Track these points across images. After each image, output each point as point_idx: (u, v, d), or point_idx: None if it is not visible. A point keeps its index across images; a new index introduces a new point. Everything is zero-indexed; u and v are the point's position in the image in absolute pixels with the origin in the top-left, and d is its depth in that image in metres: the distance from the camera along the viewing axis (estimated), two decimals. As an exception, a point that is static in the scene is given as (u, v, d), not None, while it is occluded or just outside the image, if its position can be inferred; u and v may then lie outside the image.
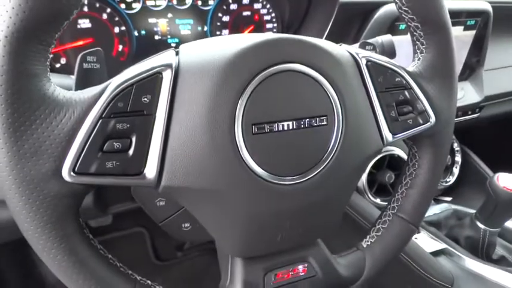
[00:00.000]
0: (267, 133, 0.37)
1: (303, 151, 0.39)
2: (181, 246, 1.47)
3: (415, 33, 0.48)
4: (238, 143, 0.36)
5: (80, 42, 0.71)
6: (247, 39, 0.38)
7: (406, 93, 0.46)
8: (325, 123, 0.39)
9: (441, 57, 0.47)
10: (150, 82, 0.35)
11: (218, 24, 0.82)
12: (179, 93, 0.36)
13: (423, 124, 0.47)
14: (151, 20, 0.76)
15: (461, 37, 0.91)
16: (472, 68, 0.97)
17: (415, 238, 0.85)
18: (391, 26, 0.81)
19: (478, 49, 0.94)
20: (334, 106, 0.40)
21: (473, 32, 0.91)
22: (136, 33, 0.76)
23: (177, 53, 0.37)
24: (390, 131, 0.45)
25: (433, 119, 0.47)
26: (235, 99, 0.36)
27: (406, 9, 0.46)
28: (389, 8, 0.80)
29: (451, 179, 1.04)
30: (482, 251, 0.86)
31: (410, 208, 0.51)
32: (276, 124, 0.37)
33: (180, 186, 0.36)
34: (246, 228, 0.40)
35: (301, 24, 0.84)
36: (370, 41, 0.56)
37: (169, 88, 0.35)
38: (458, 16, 0.87)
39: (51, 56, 0.33)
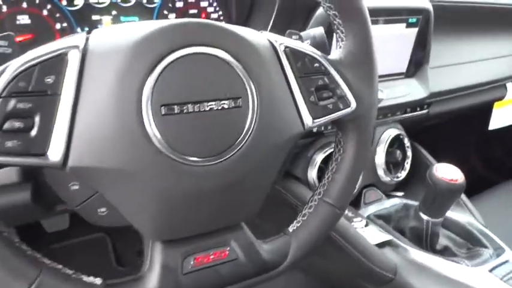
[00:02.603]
0: (177, 114, 0.37)
1: (217, 133, 0.39)
2: (143, 251, 1.45)
3: (334, 21, 0.49)
4: (145, 123, 0.36)
5: (20, 38, 0.70)
6: (156, 24, 0.39)
7: (326, 78, 0.47)
8: (239, 105, 0.40)
9: (359, 44, 0.49)
10: (54, 63, 0.35)
11: (164, 21, 0.83)
12: (87, 74, 0.36)
13: (343, 109, 0.48)
14: (95, 17, 0.76)
15: (404, 34, 0.93)
16: (417, 65, 0.99)
17: (363, 231, 0.86)
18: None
19: (422, 46, 0.97)
20: (248, 89, 0.40)
21: (416, 30, 0.94)
22: (79, 30, 0.75)
23: (88, 38, 0.38)
24: (310, 115, 0.46)
25: (353, 104, 0.48)
26: (142, 80, 0.36)
27: None
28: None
29: (403, 174, 1.06)
30: (426, 242, 0.88)
31: (335, 193, 0.51)
32: (187, 106, 0.38)
33: (88, 166, 0.36)
34: (159, 210, 0.40)
35: (247, 20, 0.85)
36: (302, 33, 0.57)
37: (78, 69, 0.36)
38: (400, 13, 0.90)
39: None
